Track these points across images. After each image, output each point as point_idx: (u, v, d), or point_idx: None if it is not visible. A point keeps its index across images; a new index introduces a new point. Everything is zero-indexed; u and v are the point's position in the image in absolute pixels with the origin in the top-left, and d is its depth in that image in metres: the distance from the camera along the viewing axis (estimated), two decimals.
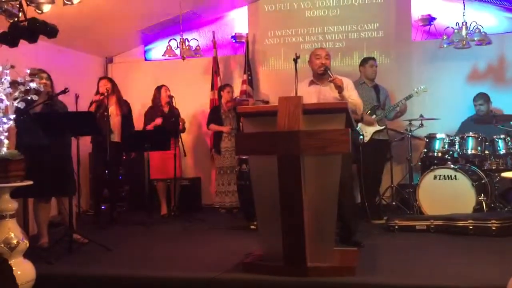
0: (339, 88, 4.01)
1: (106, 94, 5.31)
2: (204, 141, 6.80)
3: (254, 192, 3.35)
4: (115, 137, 5.43)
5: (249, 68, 6.61)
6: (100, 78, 5.61)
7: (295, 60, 3.69)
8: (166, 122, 5.80)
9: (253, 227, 4.71)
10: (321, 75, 4.18)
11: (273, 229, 3.18)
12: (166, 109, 5.95)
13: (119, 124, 5.49)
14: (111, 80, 5.63)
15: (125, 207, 6.44)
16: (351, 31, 6.50)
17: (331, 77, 4.04)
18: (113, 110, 5.45)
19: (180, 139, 5.90)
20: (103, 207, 5.73)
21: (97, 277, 3.41)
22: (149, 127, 5.82)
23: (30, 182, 3.05)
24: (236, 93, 6.53)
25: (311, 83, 4.24)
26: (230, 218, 5.77)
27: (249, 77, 6.60)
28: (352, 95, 4.16)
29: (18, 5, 3.65)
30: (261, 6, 6.75)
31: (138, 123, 6.00)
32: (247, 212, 5.12)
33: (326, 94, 4.13)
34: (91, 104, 5.36)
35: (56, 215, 5.12)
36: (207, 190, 6.61)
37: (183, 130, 6.04)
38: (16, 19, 3.64)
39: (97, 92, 5.43)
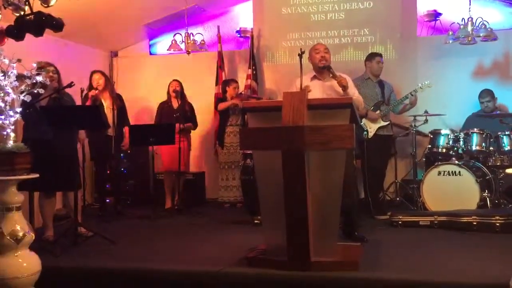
0: (344, 87, 4.13)
1: (99, 88, 5.33)
2: (209, 135, 6.81)
3: (258, 186, 3.37)
4: (110, 131, 5.43)
5: (253, 63, 6.60)
6: (93, 72, 5.52)
7: (300, 55, 3.71)
8: (173, 116, 5.82)
9: (257, 221, 4.73)
10: (322, 69, 4.23)
11: (277, 223, 3.19)
12: (175, 104, 5.97)
13: (114, 118, 5.49)
14: (104, 74, 5.59)
15: (130, 200, 6.47)
16: (358, 25, 6.46)
17: (335, 76, 4.13)
18: (108, 104, 5.43)
19: (183, 133, 5.94)
20: (108, 200, 5.77)
21: (101, 269, 3.44)
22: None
23: (37, 175, 3.07)
24: (241, 88, 6.54)
25: (314, 78, 4.27)
26: (234, 212, 5.79)
27: (254, 72, 6.59)
28: (355, 93, 4.25)
29: None
30: (266, 0, 6.73)
31: (142, 117, 6.02)
32: (251, 206, 5.13)
33: (329, 89, 4.20)
34: (85, 98, 5.29)
35: (61, 209, 5.16)
36: (212, 185, 6.62)
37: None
38: (22, 12, 3.66)
39: (90, 87, 5.40)
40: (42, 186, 3.88)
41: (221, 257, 3.54)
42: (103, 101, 5.41)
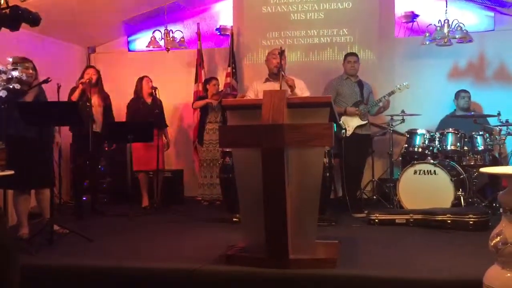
0: (291, 87, 4.54)
1: (89, 81, 5.26)
2: (187, 133, 6.78)
3: (238, 184, 3.37)
4: (97, 127, 5.39)
5: (233, 61, 6.60)
6: (88, 66, 5.57)
7: (280, 54, 3.73)
8: (149, 114, 5.77)
9: (235, 219, 4.72)
10: (276, 74, 4.57)
11: (256, 221, 3.20)
12: (149, 100, 5.92)
13: (101, 115, 5.46)
14: (98, 71, 5.54)
15: (107, 198, 6.40)
16: (337, 25, 6.51)
17: (284, 77, 4.48)
18: (95, 100, 5.40)
19: (164, 131, 5.90)
20: (84, 198, 5.69)
21: (77, 267, 3.39)
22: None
23: (11, 172, 3.01)
24: (221, 86, 6.53)
25: (266, 80, 4.59)
26: (212, 210, 5.78)
27: (234, 70, 6.58)
28: (305, 94, 4.64)
29: None
30: None
31: (122, 113, 5.95)
32: (230, 204, 5.13)
33: None
34: (73, 90, 5.26)
35: (36, 206, 5.07)
36: (190, 182, 6.60)
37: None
38: None
39: (81, 78, 5.34)
40: (15, 183, 3.80)
41: (199, 255, 3.53)
42: (91, 96, 5.34)
